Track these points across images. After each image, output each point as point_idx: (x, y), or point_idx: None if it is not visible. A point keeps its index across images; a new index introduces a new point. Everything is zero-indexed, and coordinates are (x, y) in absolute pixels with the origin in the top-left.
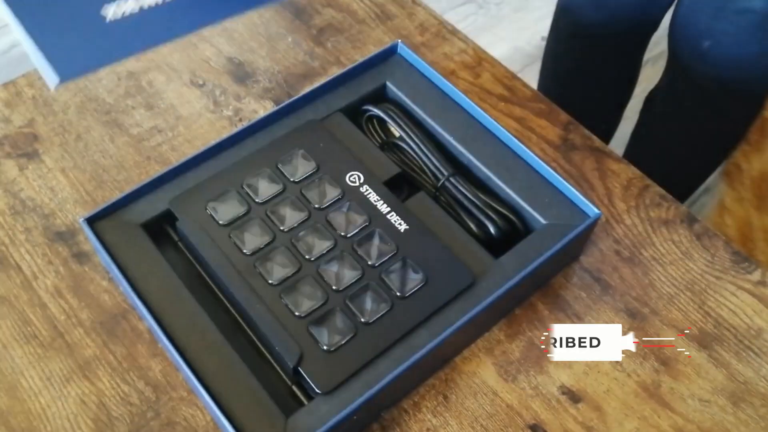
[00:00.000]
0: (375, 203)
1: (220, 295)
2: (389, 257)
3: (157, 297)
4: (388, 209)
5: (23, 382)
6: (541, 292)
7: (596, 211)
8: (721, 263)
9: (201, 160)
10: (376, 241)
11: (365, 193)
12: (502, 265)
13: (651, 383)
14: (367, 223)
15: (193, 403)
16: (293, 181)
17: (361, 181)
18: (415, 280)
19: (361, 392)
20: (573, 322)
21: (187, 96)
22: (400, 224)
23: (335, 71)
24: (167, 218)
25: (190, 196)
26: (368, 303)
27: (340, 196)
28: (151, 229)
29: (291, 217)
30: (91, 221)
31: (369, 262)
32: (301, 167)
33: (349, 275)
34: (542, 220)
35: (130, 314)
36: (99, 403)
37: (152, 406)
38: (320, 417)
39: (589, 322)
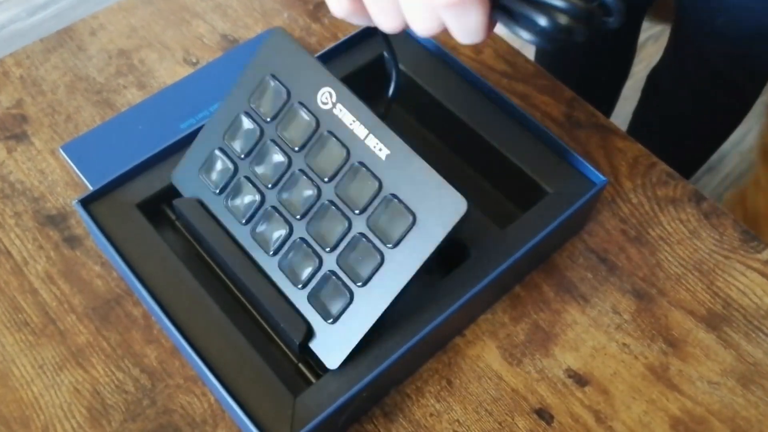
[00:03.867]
0: (351, 127)
1: (221, 274)
2: (372, 198)
3: (155, 278)
4: (366, 132)
5: (15, 371)
6: (546, 273)
7: (602, 178)
8: (729, 242)
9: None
10: (357, 180)
11: (339, 116)
12: (508, 234)
13: (659, 365)
14: (345, 159)
15: (190, 390)
16: (267, 121)
17: (334, 100)
18: (402, 222)
19: (370, 368)
20: (579, 304)
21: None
22: (380, 150)
23: None
24: (163, 197)
25: (184, 168)
26: (357, 261)
27: (315, 128)
28: (148, 210)
29: (273, 169)
30: (85, 203)
31: (354, 210)
32: (272, 100)
33: (336, 231)
34: (549, 190)
35: (124, 299)
36: (93, 391)
37: (148, 393)
38: (330, 395)
39: (596, 305)
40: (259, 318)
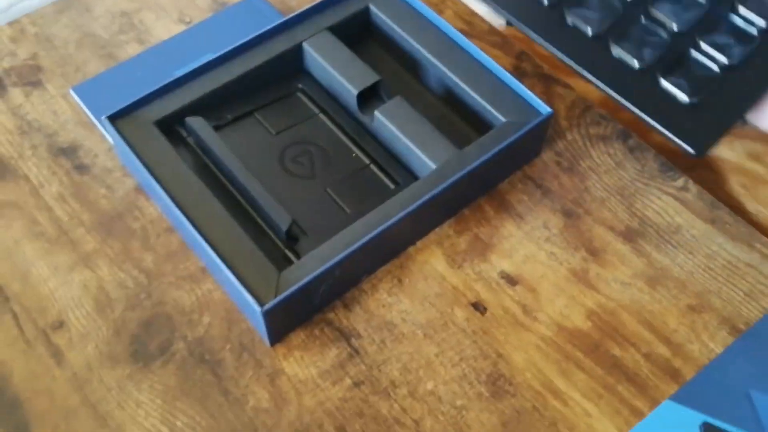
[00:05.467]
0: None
1: (223, 179)
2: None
3: (168, 179)
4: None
5: (33, 271)
6: (489, 197)
7: (548, 109)
8: (649, 172)
9: (205, 70)
10: None
11: None
12: (465, 153)
13: (580, 270)
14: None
15: (180, 287)
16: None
17: None
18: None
19: (339, 252)
20: (515, 221)
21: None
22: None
23: None
24: (177, 118)
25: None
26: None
27: None
28: (163, 128)
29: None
30: (112, 119)
31: None
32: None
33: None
34: (501, 118)
35: (125, 216)
36: (99, 287)
37: (145, 289)
38: (308, 270)
39: (529, 221)
40: (253, 213)
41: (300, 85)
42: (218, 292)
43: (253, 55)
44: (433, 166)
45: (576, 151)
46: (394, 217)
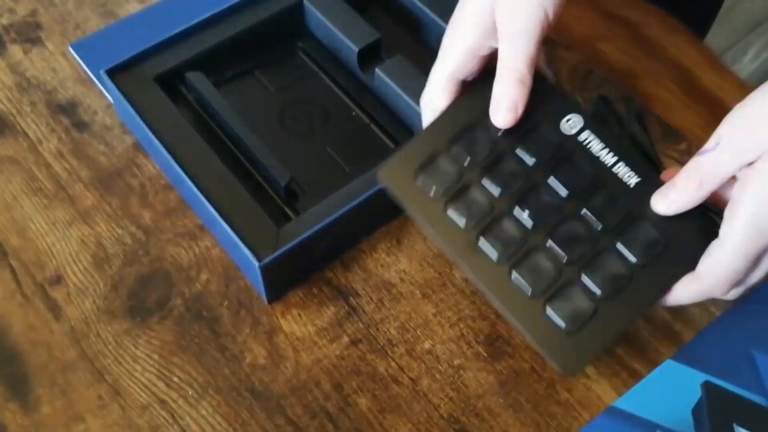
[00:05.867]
0: (599, 153)
1: (223, 136)
2: (622, 219)
3: (167, 134)
4: (615, 159)
5: (32, 226)
6: None
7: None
8: (653, 135)
9: (205, 26)
10: (606, 201)
11: (586, 142)
12: None
13: None
14: (593, 180)
15: (178, 244)
16: (500, 134)
17: (580, 126)
18: (653, 245)
19: (337, 209)
20: None
21: None
22: (630, 177)
23: None
24: (177, 74)
25: (394, 167)
26: (603, 274)
27: (560, 147)
28: (163, 84)
29: (509, 178)
30: (111, 73)
31: (603, 228)
32: None
33: (583, 243)
34: None
35: (124, 173)
36: (97, 243)
37: (143, 245)
38: (306, 227)
39: None
40: (253, 170)
41: (300, 44)
42: (216, 250)
43: (253, 12)
44: None
45: None
46: None
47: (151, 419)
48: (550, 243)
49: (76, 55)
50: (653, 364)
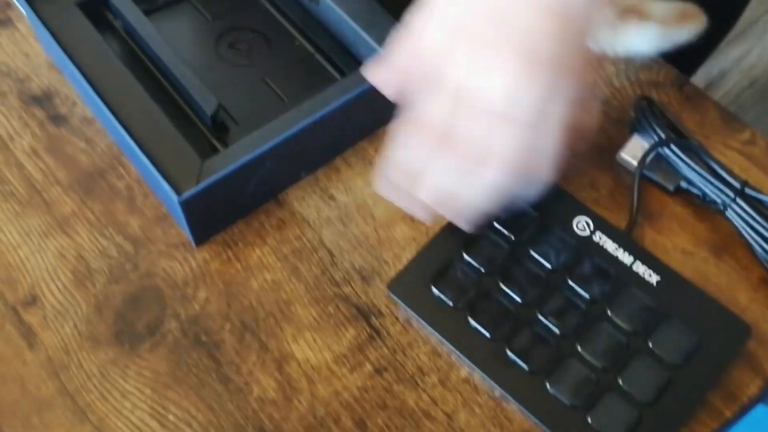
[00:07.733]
0: (614, 253)
1: (152, 68)
2: (647, 321)
3: (88, 64)
4: (632, 259)
5: (1, 237)
6: None
7: None
8: (710, 124)
9: None
10: (629, 302)
11: (600, 243)
12: None
13: (633, 235)
14: (614, 282)
15: (172, 256)
16: (513, 240)
17: (591, 228)
18: (685, 345)
19: (270, 139)
20: None
21: None
22: (650, 276)
23: None
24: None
25: (405, 280)
26: (638, 381)
27: (574, 251)
28: (88, 11)
29: (526, 284)
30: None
31: (629, 330)
32: (519, 221)
33: (610, 348)
34: None
35: (108, 173)
36: (78, 256)
37: (131, 258)
38: (233, 158)
39: (574, 180)
40: (181, 102)
41: None
42: (216, 262)
43: None
44: (382, 51)
45: (625, 100)
46: (333, 103)
47: None
48: (580, 350)
49: None
50: (731, 396)
